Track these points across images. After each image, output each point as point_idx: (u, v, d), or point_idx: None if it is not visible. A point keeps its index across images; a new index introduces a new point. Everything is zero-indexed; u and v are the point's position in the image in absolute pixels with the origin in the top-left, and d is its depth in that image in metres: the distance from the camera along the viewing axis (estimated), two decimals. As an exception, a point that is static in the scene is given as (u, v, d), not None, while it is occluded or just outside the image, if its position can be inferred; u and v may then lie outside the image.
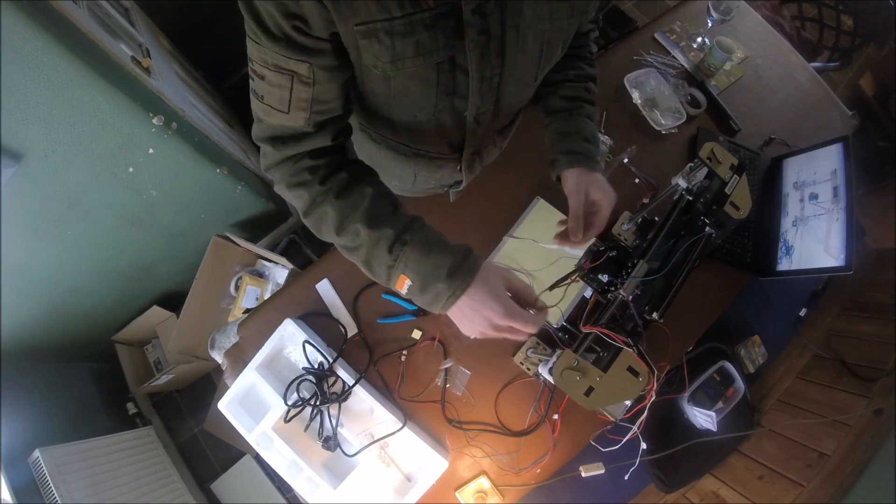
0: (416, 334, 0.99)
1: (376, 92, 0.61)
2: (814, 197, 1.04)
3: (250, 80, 0.55)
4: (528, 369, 0.97)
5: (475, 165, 0.87)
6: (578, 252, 0.92)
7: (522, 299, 0.61)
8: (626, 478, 0.90)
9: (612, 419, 0.88)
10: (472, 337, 0.61)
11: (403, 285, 0.59)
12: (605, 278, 0.82)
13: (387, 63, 0.53)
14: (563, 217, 1.03)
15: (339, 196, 0.60)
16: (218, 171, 1.43)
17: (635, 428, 0.83)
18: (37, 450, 1.35)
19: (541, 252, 1.01)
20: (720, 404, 1.34)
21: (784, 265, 1.04)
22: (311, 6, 0.46)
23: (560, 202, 1.04)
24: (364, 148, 0.87)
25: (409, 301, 0.75)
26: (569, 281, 0.86)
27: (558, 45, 0.65)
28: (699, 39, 1.30)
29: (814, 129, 1.24)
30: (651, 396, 0.76)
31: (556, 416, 0.96)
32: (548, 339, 0.99)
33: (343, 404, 0.90)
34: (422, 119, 0.66)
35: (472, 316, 0.58)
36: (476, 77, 0.58)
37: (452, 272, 0.57)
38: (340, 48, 0.53)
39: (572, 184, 0.78)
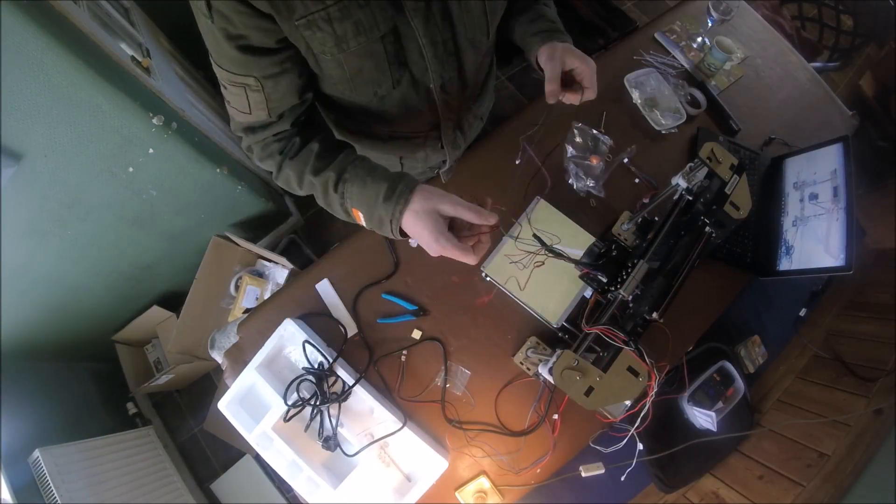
0: (416, 334, 0.99)
1: (335, 78, 0.66)
2: (814, 197, 1.04)
3: (222, 90, 0.65)
4: (528, 369, 0.97)
5: (458, 141, 0.88)
6: (578, 252, 0.92)
7: (471, 215, 0.61)
8: (622, 478, 0.90)
9: (612, 419, 0.88)
10: (434, 255, 0.63)
11: (360, 218, 0.66)
12: (604, 278, 0.82)
13: (332, 47, 0.58)
14: (564, 217, 1.03)
15: (293, 158, 0.69)
16: (218, 171, 1.43)
17: (633, 429, 0.83)
18: (37, 450, 1.35)
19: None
20: (720, 404, 1.33)
21: (784, 265, 1.04)
22: (250, 22, 0.53)
23: (560, 202, 1.04)
24: None
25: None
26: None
27: None
28: (699, 39, 1.30)
29: (814, 129, 1.24)
30: (650, 396, 0.76)
31: (556, 416, 0.96)
32: (548, 339, 0.99)
33: (343, 404, 0.90)
34: (384, 94, 0.70)
35: (419, 235, 0.62)
36: (427, 43, 0.62)
37: (387, 196, 0.62)
38: (287, 55, 0.60)
39: (546, 55, 0.78)
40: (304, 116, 0.71)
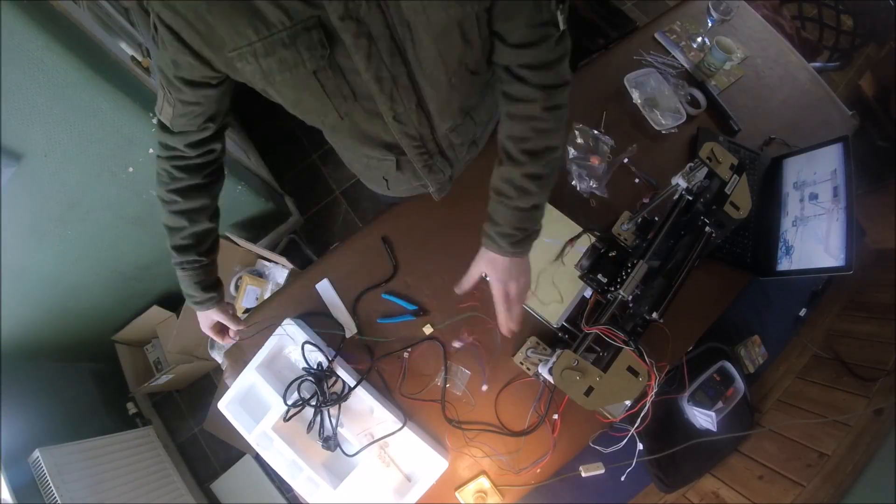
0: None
1: (285, 102, 0.66)
2: (814, 197, 1.04)
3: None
4: (528, 369, 0.97)
5: (441, 167, 0.83)
6: (579, 251, 0.92)
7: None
8: (622, 478, 0.90)
9: (612, 419, 0.88)
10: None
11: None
12: (604, 279, 0.82)
13: (260, 79, 0.59)
14: (564, 217, 1.03)
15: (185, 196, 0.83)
16: (218, 171, 1.43)
17: (633, 429, 0.83)
18: (37, 450, 1.35)
19: (539, 249, 1.01)
20: (720, 404, 1.34)
21: (784, 265, 1.04)
22: (189, 63, 0.58)
23: (560, 202, 1.04)
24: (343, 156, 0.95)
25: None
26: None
27: (455, 37, 0.60)
28: (699, 39, 1.30)
29: (814, 129, 1.24)
30: (650, 396, 0.76)
31: (556, 416, 0.96)
32: (548, 339, 0.99)
33: (343, 404, 0.90)
34: (333, 124, 0.70)
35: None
36: (372, 78, 0.60)
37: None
38: (216, 89, 0.66)
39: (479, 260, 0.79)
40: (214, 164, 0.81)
